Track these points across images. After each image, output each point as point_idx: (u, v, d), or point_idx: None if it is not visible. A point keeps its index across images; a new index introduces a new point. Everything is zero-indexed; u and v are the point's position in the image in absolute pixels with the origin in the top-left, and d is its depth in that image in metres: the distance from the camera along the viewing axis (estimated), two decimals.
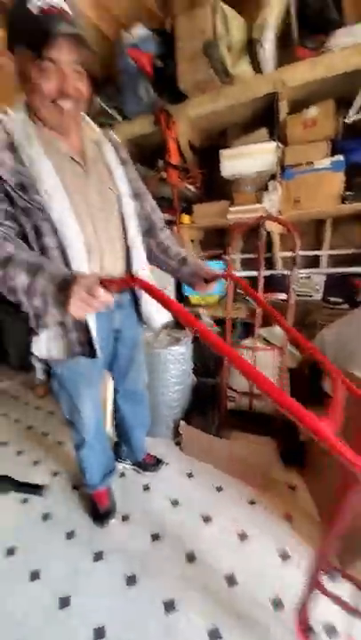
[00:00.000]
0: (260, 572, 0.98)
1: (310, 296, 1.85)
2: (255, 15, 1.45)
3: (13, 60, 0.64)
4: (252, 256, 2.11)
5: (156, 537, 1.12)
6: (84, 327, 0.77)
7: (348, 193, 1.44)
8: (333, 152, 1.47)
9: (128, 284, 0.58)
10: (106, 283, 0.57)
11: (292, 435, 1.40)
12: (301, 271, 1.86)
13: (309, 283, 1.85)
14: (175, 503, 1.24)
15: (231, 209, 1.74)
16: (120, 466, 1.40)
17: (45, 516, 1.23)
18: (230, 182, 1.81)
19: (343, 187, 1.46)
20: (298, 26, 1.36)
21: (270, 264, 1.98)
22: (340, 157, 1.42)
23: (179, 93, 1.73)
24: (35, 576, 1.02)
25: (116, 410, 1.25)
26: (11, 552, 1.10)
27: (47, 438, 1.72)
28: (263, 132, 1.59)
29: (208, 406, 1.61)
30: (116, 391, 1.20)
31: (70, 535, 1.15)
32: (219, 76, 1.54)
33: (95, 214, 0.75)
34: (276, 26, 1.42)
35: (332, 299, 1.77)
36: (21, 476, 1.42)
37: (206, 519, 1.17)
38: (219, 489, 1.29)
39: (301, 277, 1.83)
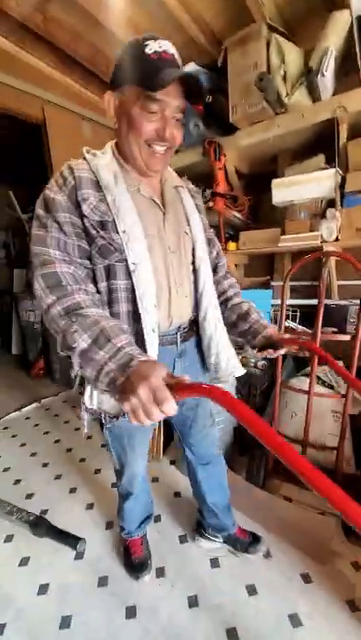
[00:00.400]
0: None
1: None
2: (313, 43, 1.41)
3: (112, 99, 0.65)
4: (302, 283, 1.97)
5: (193, 602, 1.00)
6: None
7: None
8: None
9: (203, 393, 0.45)
10: (176, 387, 0.45)
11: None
12: None
13: None
14: (215, 563, 1.11)
15: (284, 237, 1.66)
16: (205, 545, 1.16)
17: (78, 555, 1.19)
18: (279, 208, 1.73)
19: None
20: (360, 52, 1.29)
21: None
22: None
23: (229, 125, 1.74)
24: (66, 623, 0.97)
25: (192, 472, 1.06)
26: (43, 590, 1.07)
27: (85, 464, 1.71)
28: (321, 158, 1.51)
29: (253, 448, 1.47)
30: (185, 449, 1.03)
31: (103, 581, 1.09)
32: (273, 108, 1.51)
33: (169, 256, 0.73)
34: (338, 51, 1.36)
35: None
36: (57, 504, 1.42)
37: (251, 590, 1.02)
38: (266, 554, 1.13)
39: None
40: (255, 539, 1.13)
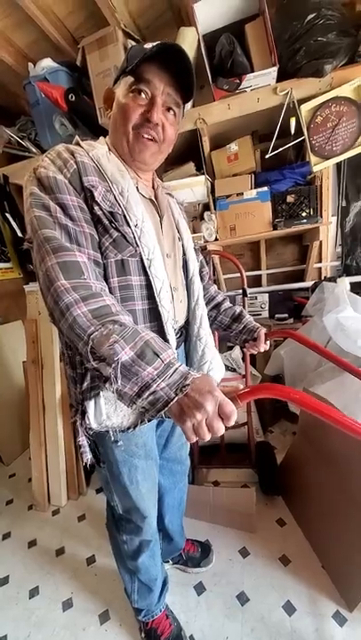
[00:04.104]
0: None
1: (259, 314, 1.92)
2: None
3: (109, 93, 0.65)
4: None
5: None
6: None
7: (277, 220, 1.54)
8: (256, 183, 1.57)
9: (265, 393, 0.47)
10: (237, 396, 0.46)
11: (266, 461, 1.37)
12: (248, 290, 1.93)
13: (256, 302, 1.92)
14: None
15: None
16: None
17: None
18: None
19: (272, 214, 1.55)
20: (210, 68, 1.44)
21: None
22: (265, 188, 1.52)
23: (99, 127, 1.68)
24: None
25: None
26: None
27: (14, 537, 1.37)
28: (191, 165, 1.62)
29: None
30: None
31: None
32: None
33: (165, 260, 0.69)
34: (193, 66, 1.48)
35: (278, 315, 1.87)
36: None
37: (199, 590, 1.03)
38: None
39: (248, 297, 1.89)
40: (204, 550, 1.12)
